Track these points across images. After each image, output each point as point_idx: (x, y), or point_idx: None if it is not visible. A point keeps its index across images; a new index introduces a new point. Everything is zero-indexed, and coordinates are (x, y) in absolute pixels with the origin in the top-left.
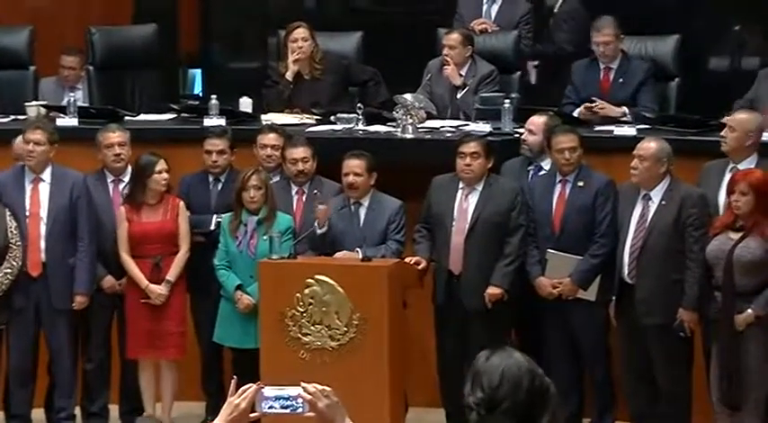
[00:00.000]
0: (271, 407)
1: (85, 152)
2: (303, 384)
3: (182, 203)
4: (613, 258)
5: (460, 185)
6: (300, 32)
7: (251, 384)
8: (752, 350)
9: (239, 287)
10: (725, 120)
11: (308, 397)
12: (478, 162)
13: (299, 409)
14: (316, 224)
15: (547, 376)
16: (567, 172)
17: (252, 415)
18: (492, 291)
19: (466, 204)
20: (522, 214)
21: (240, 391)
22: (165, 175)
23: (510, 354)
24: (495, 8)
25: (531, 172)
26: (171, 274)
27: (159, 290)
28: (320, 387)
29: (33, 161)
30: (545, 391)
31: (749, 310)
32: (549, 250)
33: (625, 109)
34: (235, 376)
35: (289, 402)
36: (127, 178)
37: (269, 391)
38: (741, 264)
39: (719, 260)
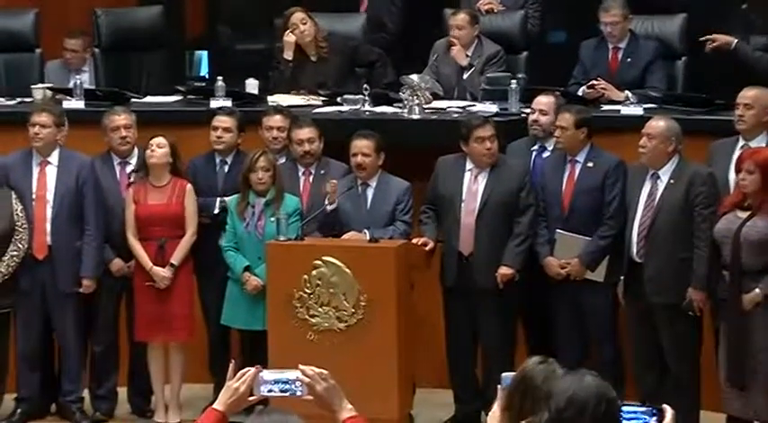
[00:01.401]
0: (270, 390)
1: (92, 135)
2: (301, 367)
3: (189, 187)
4: (622, 239)
5: (468, 167)
6: (298, 16)
7: (249, 368)
8: (760, 329)
9: (247, 268)
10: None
11: (307, 380)
12: (496, 144)
13: (298, 392)
14: (326, 200)
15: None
16: (559, 149)
17: (251, 398)
18: (504, 271)
19: (475, 185)
20: (532, 194)
21: (239, 374)
22: (157, 149)
23: (582, 376)
24: None
25: (535, 153)
26: (175, 258)
27: (163, 273)
28: (318, 370)
29: (40, 143)
30: (611, 416)
31: (757, 290)
32: (558, 231)
33: (628, 93)
34: (233, 360)
35: (287, 386)
36: (133, 161)
37: (267, 375)
38: (749, 243)
39: (727, 239)
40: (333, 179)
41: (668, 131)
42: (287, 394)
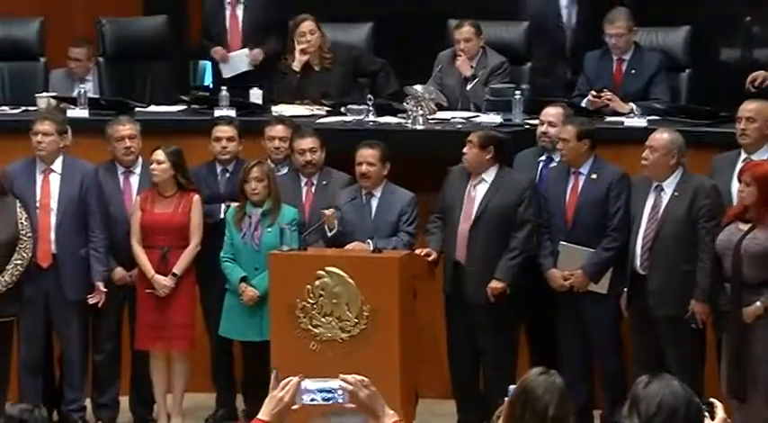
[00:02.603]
0: (312, 399)
1: (96, 143)
2: (342, 376)
3: (197, 198)
4: (626, 251)
5: (471, 175)
6: (308, 25)
7: (292, 377)
8: (761, 341)
9: (244, 279)
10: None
11: (349, 388)
12: (472, 152)
13: (340, 400)
14: (326, 227)
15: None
16: (563, 161)
17: (293, 407)
18: (494, 284)
19: (474, 194)
20: (530, 209)
21: (282, 384)
22: (156, 166)
23: (668, 382)
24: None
25: (542, 164)
26: (178, 267)
27: (164, 281)
28: (359, 377)
29: (43, 152)
30: (698, 420)
31: (758, 303)
32: (562, 242)
33: (632, 105)
34: (275, 370)
35: (330, 394)
36: (138, 170)
37: (310, 384)
38: (749, 255)
39: (728, 251)
40: (328, 208)
41: (671, 144)
42: (329, 402)
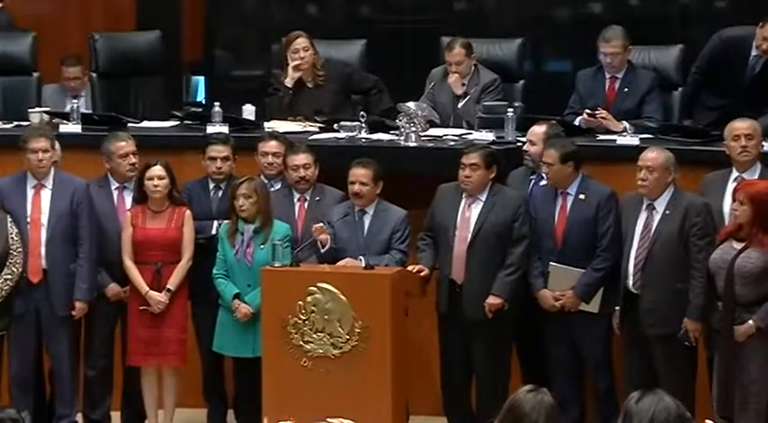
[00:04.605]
0: None
1: (88, 159)
2: (329, 419)
3: (188, 213)
4: (616, 271)
5: (464, 194)
6: (301, 42)
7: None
8: (753, 361)
9: (237, 296)
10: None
11: None
12: (478, 174)
13: None
14: (319, 245)
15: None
16: (551, 183)
17: None
18: (492, 300)
19: (469, 213)
20: (526, 225)
21: None
22: (159, 182)
23: (661, 397)
24: None
25: (533, 182)
26: (171, 283)
27: (159, 297)
28: (346, 421)
29: (45, 169)
30: None
31: (750, 322)
32: (552, 263)
33: (626, 124)
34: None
35: None
36: (131, 186)
37: None
38: (742, 274)
39: (721, 270)
40: (317, 222)
41: (667, 162)
42: None
